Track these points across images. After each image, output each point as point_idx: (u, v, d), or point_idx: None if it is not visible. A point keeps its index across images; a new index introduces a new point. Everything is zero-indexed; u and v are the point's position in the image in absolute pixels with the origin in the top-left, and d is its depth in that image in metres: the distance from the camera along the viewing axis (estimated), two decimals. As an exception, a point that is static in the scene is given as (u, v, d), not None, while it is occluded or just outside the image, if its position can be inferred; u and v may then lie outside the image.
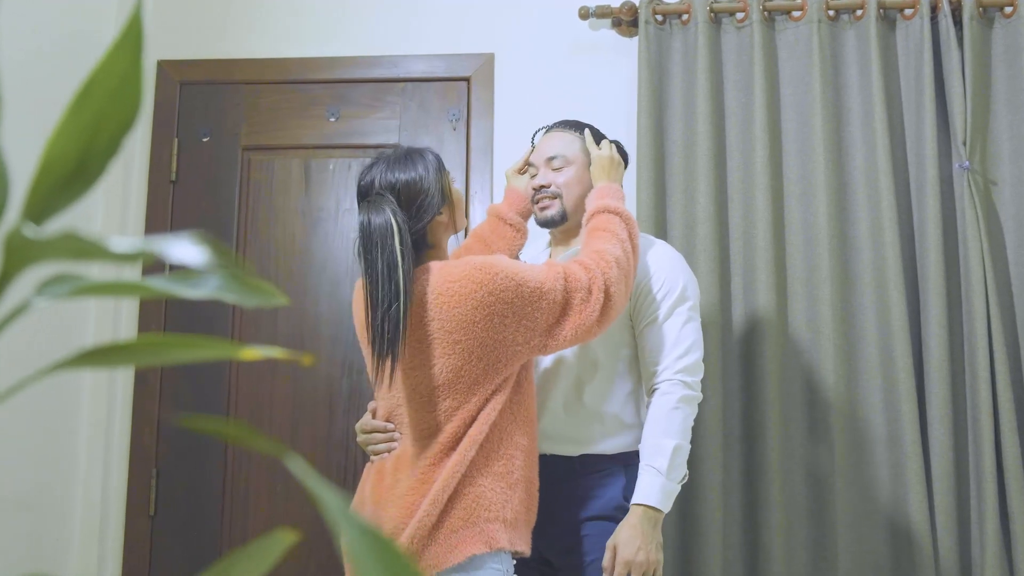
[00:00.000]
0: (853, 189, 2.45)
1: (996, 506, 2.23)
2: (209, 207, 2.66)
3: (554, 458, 1.73)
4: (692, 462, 2.30)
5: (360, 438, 1.62)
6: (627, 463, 1.74)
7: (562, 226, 1.89)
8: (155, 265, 2.63)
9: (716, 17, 2.54)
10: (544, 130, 1.97)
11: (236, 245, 2.64)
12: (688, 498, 2.31)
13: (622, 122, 2.52)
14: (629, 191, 2.43)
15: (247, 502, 2.53)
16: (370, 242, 1.50)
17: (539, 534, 1.59)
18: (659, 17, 2.54)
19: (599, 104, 2.57)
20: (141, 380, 2.58)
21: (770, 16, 2.54)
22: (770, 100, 2.47)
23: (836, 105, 2.49)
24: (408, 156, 1.60)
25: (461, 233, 2.27)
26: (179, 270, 0.50)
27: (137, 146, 2.67)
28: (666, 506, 1.63)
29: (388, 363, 1.49)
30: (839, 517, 2.28)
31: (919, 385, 2.34)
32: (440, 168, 1.62)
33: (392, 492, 1.50)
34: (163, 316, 2.61)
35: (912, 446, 2.27)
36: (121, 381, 2.56)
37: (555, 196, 1.86)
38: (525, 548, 1.53)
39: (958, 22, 2.46)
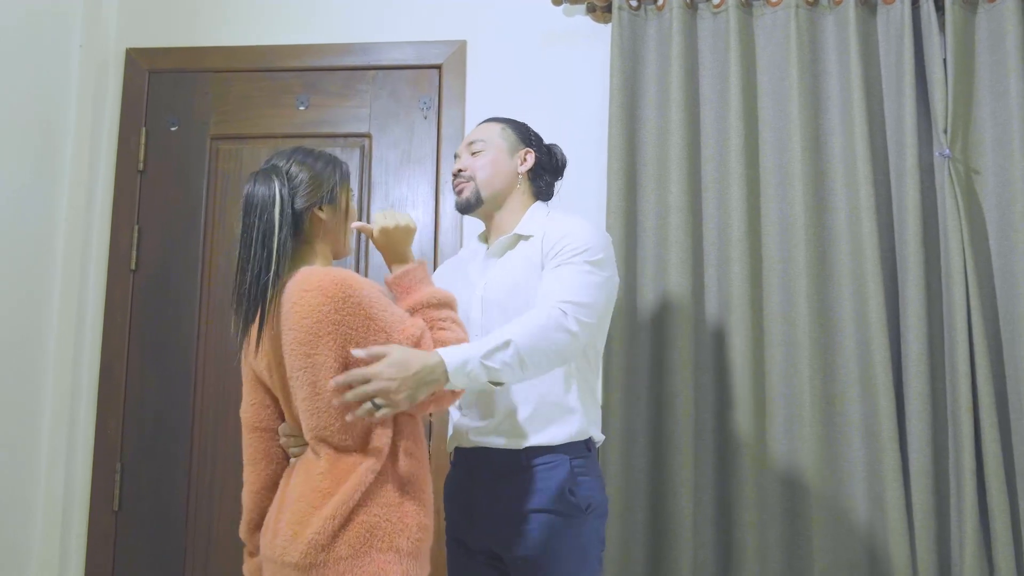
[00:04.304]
0: (831, 178, 2.39)
1: (975, 503, 2.17)
2: (177, 197, 2.62)
3: (500, 452, 1.69)
4: (662, 458, 2.25)
5: (281, 440, 1.58)
6: (572, 454, 1.69)
7: (479, 210, 1.87)
8: (123, 257, 2.59)
9: (692, 2, 2.48)
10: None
11: (204, 235, 2.59)
12: (659, 495, 2.26)
13: (596, 110, 2.47)
14: (600, 181, 2.39)
15: (212, 496, 2.48)
16: (251, 207, 1.49)
17: (485, 527, 1.54)
18: (634, 2, 2.48)
19: (573, 92, 2.51)
20: (106, 372, 2.54)
21: (747, 1, 2.48)
22: (746, 87, 2.41)
23: (814, 92, 2.43)
24: (320, 154, 1.60)
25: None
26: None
27: (104, 135, 2.63)
28: (455, 380, 1.48)
29: (256, 326, 1.45)
30: (814, 514, 2.23)
31: (897, 379, 2.28)
32: (344, 177, 1.60)
33: (290, 496, 1.47)
34: (130, 300, 2.57)
35: (889, 442, 2.21)
36: (86, 373, 2.52)
37: (469, 179, 1.85)
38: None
39: (940, 7, 2.40)
